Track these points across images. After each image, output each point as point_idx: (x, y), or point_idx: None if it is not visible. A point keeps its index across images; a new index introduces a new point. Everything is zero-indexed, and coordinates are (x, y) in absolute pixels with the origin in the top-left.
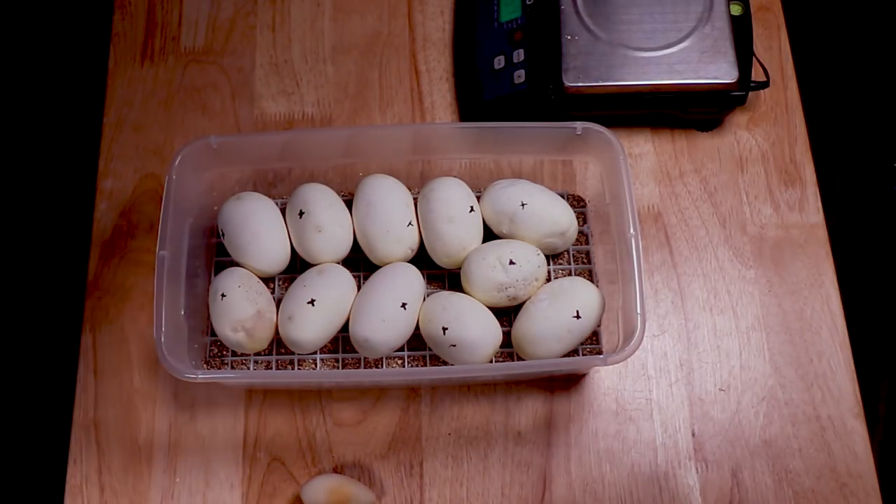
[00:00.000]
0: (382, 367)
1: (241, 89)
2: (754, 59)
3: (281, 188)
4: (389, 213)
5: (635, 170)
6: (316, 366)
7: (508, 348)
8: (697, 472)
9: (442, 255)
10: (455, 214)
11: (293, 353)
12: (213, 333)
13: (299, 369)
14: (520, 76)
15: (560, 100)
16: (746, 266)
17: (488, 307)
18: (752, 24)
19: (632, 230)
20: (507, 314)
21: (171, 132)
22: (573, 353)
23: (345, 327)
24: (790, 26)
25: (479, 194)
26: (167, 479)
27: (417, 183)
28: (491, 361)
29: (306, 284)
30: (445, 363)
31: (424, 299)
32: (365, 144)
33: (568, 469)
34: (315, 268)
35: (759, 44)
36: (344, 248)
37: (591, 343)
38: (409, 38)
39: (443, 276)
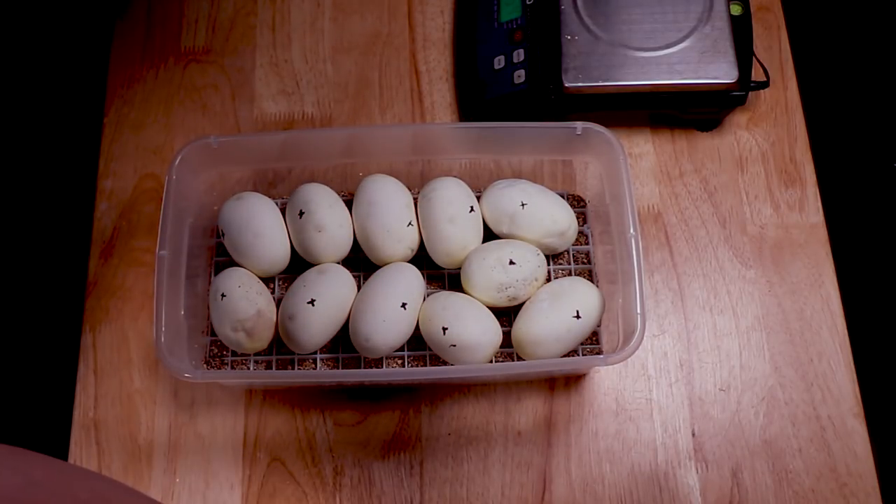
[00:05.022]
0: (382, 367)
1: (241, 89)
2: (754, 59)
3: (281, 188)
4: (389, 213)
5: (635, 170)
6: (316, 366)
7: (508, 348)
8: (697, 472)
9: (442, 255)
10: (455, 214)
11: (293, 353)
12: (213, 333)
13: (299, 369)
14: (520, 76)
15: (560, 100)
16: (746, 266)
17: (488, 307)
18: (752, 24)
19: (632, 230)
20: (507, 314)
21: (171, 132)
22: (573, 353)
23: (345, 327)
24: (790, 26)
25: (479, 194)
26: (167, 479)
27: (417, 183)
28: (491, 361)
29: (306, 284)
30: (445, 363)
31: (424, 299)
32: (365, 144)
33: (568, 469)
34: (315, 268)
35: (759, 44)
36: (344, 248)
37: (591, 343)
38: (409, 38)
39: (443, 276)
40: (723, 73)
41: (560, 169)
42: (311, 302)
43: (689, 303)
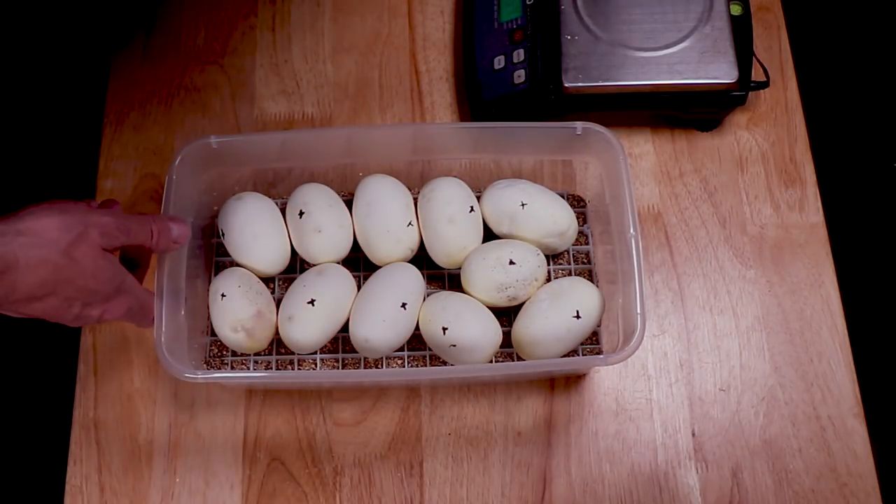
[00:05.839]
0: (382, 367)
1: (241, 89)
2: (754, 59)
3: (281, 188)
4: (389, 213)
5: (635, 170)
6: (316, 366)
7: (508, 348)
8: (697, 472)
9: (442, 255)
10: (455, 214)
11: (293, 353)
12: (213, 333)
13: (299, 369)
14: (520, 76)
15: (560, 100)
16: (746, 266)
17: (488, 307)
18: (752, 24)
19: (632, 230)
20: (507, 314)
21: (171, 132)
22: (573, 353)
23: (345, 327)
24: (790, 26)
25: (479, 194)
26: (167, 479)
27: (417, 183)
28: (491, 361)
29: (306, 284)
30: (445, 363)
31: (424, 299)
32: (365, 144)
33: (568, 469)
34: (315, 268)
35: (759, 44)
36: (344, 248)
37: (591, 343)
38: (409, 38)
39: (443, 276)
40: (723, 73)
41: (560, 169)
42: (311, 302)
43: (689, 303)
